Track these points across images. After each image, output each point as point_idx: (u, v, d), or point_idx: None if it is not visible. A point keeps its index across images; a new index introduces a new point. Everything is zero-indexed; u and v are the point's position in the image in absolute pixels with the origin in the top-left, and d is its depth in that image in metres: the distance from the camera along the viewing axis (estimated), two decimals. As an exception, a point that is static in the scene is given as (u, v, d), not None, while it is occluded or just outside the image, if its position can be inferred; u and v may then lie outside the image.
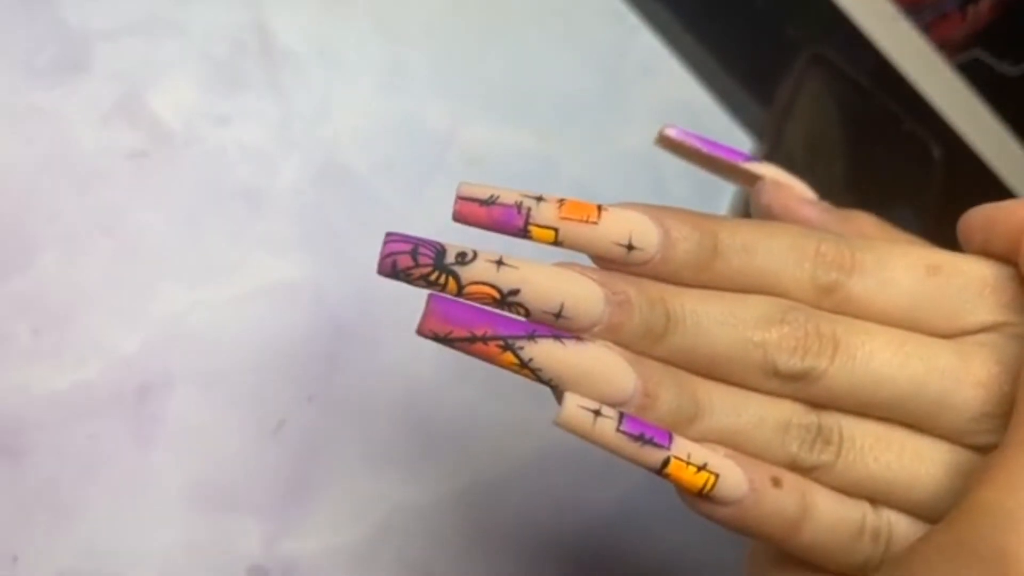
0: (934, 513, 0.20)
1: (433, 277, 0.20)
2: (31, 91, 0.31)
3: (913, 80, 0.40)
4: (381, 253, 0.20)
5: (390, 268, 0.20)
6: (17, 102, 0.31)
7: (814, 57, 0.39)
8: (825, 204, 0.25)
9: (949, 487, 0.20)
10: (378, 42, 0.36)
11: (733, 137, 0.40)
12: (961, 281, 0.21)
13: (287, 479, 0.31)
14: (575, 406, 0.19)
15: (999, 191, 0.40)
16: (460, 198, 0.20)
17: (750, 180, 0.26)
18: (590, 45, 0.39)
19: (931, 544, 0.19)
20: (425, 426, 0.32)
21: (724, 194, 0.38)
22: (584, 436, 0.20)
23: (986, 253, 0.21)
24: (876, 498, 0.21)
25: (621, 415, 0.19)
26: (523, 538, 0.32)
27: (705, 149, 0.26)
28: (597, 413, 0.19)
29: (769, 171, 0.25)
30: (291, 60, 0.34)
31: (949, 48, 0.41)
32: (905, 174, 0.41)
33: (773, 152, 0.38)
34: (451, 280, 0.20)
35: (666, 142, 0.26)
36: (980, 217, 0.21)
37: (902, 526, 0.21)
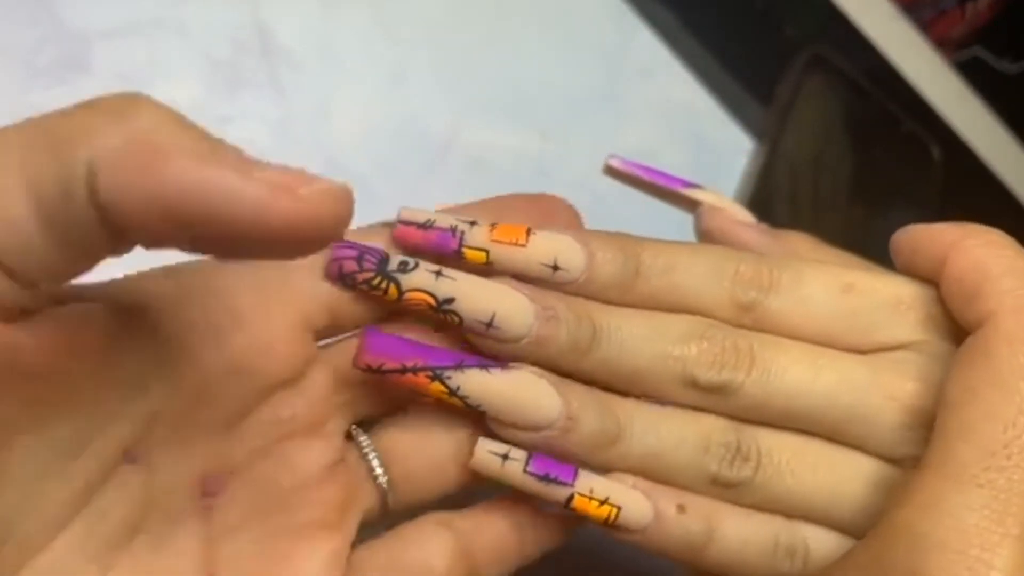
0: (852, 526, 0.21)
1: (375, 282, 0.21)
2: (31, 91, 0.31)
3: (912, 80, 0.40)
4: (328, 258, 0.21)
5: (336, 272, 0.21)
6: (17, 102, 0.31)
7: (814, 57, 0.39)
8: (762, 226, 0.26)
9: (865, 500, 0.21)
10: (378, 42, 0.36)
11: (733, 137, 0.40)
12: (875, 299, 0.21)
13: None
14: (485, 451, 0.21)
15: (998, 190, 0.40)
16: (400, 222, 0.21)
17: (691, 205, 0.27)
18: (590, 45, 0.39)
19: (850, 562, 0.19)
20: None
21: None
22: (494, 477, 0.21)
23: (911, 273, 0.22)
24: (795, 513, 0.21)
25: (528, 456, 0.21)
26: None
27: (646, 177, 0.27)
28: (505, 457, 0.21)
29: (707, 196, 0.27)
30: (291, 60, 0.34)
31: (948, 46, 0.41)
32: (905, 174, 0.41)
33: (773, 152, 0.39)
34: (392, 286, 0.21)
35: (611, 172, 0.28)
36: (908, 238, 0.22)
37: (821, 541, 0.21)
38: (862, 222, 0.40)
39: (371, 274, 0.21)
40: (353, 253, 0.21)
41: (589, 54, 0.39)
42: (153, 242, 0.15)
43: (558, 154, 0.37)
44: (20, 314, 0.16)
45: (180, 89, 0.33)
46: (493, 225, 0.21)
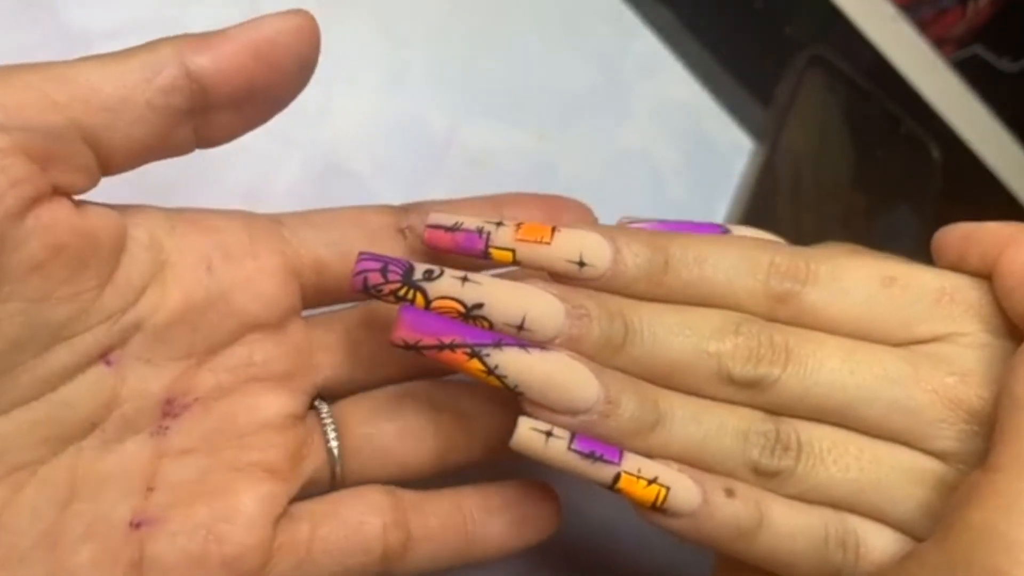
0: (899, 519, 0.21)
1: (402, 292, 0.21)
2: (31, 91, 0.31)
3: (912, 80, 0.40)
4: (353, 271, 0.21)
5: (362, 285, 0.21)
6: (17, 102, 0.31)
7: (814, 57, 0.39)
8: (793, 248, 0.25)
9: (911, 493, 0.20)
10: (378, 42, 0.36)
11: (733, 137, 0.40)
12: (916, 292, 0.21)
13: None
14: (527, 428, 0.20)
15: (998, 191, 0.40)
16: (428, 226, 0.22)
17: None
18: (590, 45, 0.39)
19: (920, 562, 0.19)
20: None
21: (723, 195, 0.38)
22: (537, 456, 0.21)
23: (958, 269, 0.22)
24: (840, 504, 0.21)
25: (572, 435, 0.20)
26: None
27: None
28: (549, 434, 0.20)
29: (737, 233, 0.25)
30: (291, 60, 0.34)
31: (948, 44, 0.41)
32: (904, 174, 0.41)
33: (773, 152, 0.39)
34: (419, 295, 0.21)
35: None
36: (956, 235, 0.22)
37: (871, 534, 0.21)
38: (862, 222, 0.40)
39: (397, 284, 0.21)
40: (377, 265, 0.21)
41: (589, 54, 0.39)
42: (232, 111, 0.20)
43: (558, 154, 0.37)
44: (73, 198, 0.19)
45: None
46: (519, 225, 0.21)
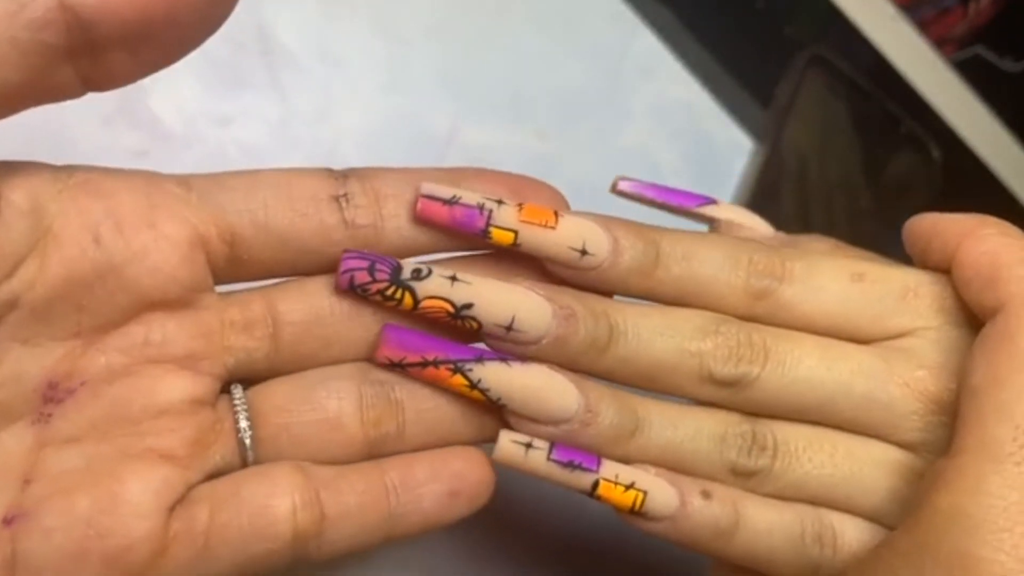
0: (873, 512, 0.21)
1: (390, 292, 0.20)
2: (31, 91, 0.31)
3: (912, 80, 0.40)
4: (339, 270, 0.20)
5: (348, 283, 0.20)
6: (17, 102, 0.31)
7: (814, 57, 0.39)
8: (779, 235, 0.26)
9: (884, 485, 0.21)
10: (378, 42, 0.36)
11: (733, 137, 0.40)
12: (885, 287, 0.22)
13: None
14: (508, 441, 0.21)
15: (998, 191, 0.40)
16: (423, 196, 0.21)
17: (708, 221, 0.27)
18: (590, 45, 0.39)
19: (892, 549, 0.20)
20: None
21: (723, 195, 0.38)
22: (517, 468, 0.21)
23: (922, 260, 0.22)
24: (816, 500, 0.21)
25: (551, 445, 0.21)
26: (524, 538, 0.32)
27: (658, 199, 0.27)
28: (528, 446, 0.21)
29: (723, 212, 0.27)
30: (291, 60, 0.34)
31: (949, 44, 0.41)
32: (904, 174, 0.41)
33: (772, 153, 0.39)
34: (407, 295, 0.20)
35: (621, 195, 0.27)
36: (921, 225, 0.23)
37: (848, 526, 0.21)
38: (861, 222, 0.40)
39: (385, 284, 0.20)
40: (364, 264, 0.20)
41: (589, 54, 0.39)
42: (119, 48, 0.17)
43: (558, 154, 0.37)
44: None
45: (180, 89, 0.33)
46: (520, 205, 0.21)
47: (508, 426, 0.21)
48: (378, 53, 0.36)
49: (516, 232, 0.21)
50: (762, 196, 0.38)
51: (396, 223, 0.21)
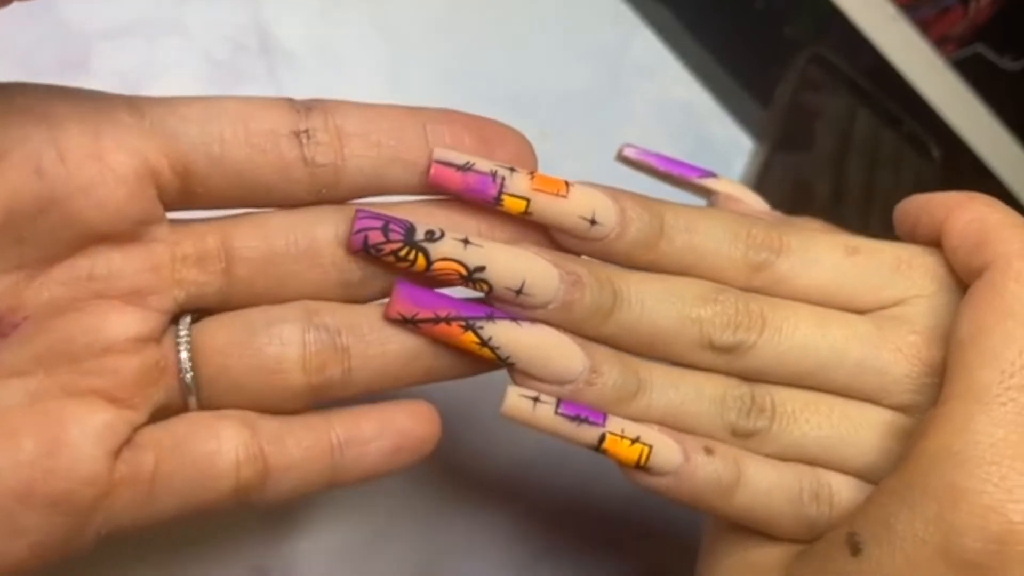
0: (869, 471, 0.22)
1: (403, 253, 0.20)
2: (31, 91, 0.31)
3: (912, 80, 0.40)
4: (352, 229, 0.20)
5: (361, 243, 0.20)
6: (17, 102, 0.31)
7: (814, 57, 0.39)
8: (775, 213, 0.27)
9: (880, 446, 0.22)
10: (378, 42, 0.36)
11: (733, 137, 0.40)
12: (879, 259, 0.22)
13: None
14: (516, 396, 0.21)
15: (998, 190, 0.40)
16: (436, 162, 0.21)
17: (707, 194, 0.28)
18: (590, 45, 0.39)
19: (884, 490, 0.20)
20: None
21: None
22: (525, 422, 0.21)
23: (912, 239, 0.23)
24: (814, 460, 0.22)
25: (558, 400, 0.21)
26: (524, 538, 0.32)
27: (660, 167, 0.27)
28: (536, 400, 0.21)
29: (723, 186, 0.28)
30: (291, 60, 0.34)
31: (950, 43, 0.41)
32: (905, 174, 0.41)
33: (773, 152, 0.39)
34: (420, 256, 0.20)
35: (625, 161, 0.28)
36: (910, 205, 0.23)
37: (844, 486, 0.22)
38: (861, 222, 0.40)
39: (399, 244, 0.20)
40: (378, 223, 0.20)
41: (589, 54, 0.39)
42: None
43: (558, 154, 0.37)
44: None
45: (180, 89, 0.33)
46: (532, 173, 0.21)
47: (455, 375, 0.22)
48: (378, 53, 0.36)
49: (528, 200, 0.21)
50: (762, 195, 0.38)
51: (358, 163, 0.21)
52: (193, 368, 0.20)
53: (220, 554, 0.29)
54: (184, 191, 0.20)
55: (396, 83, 0.36)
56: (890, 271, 0.22)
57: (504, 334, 0.21)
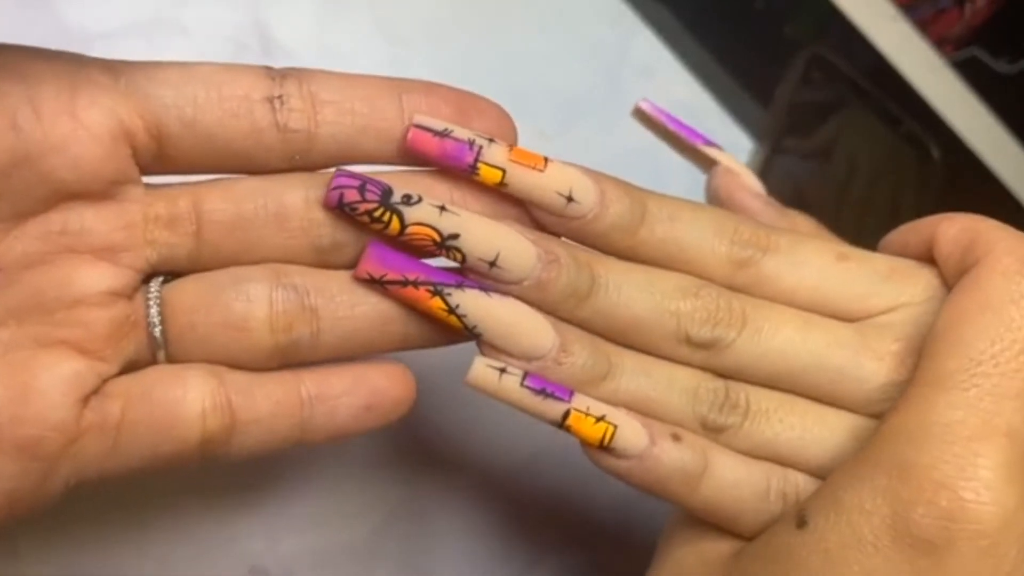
0: None
1: (378, 213, 0.20)
2: (31, 91, 0.31)
3: (912, 80, 0.40)
4: (328, 186, 0.20)
5: (336, 200, 0.20)
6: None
7: (814, 57, 0.39)
8: (768, 198, 0.27)
9: (852, 451, 0.21)
10: (378, 42, 0.36)
11: (733, 137, 0.40)
12: (869, 267, 0.22)
13: (288, 479, 0.31)
14: (483, 365, 0.21)
15: (998, 190, 0.40)
16: (415, 126, 0.21)
17: (708, 163, 0.28)
18: (590, 45, 0.39)
19: (841, 469, 0.20)
20: (425, 426, 0.32)
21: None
22: (490, 392, 0.21)
23: (902, 255, 0.23)
24: (783, 460, 0.22)
25: (525, 373, 0.21)
26: (523, 538, 0.32)
27: (671, 127, 0.28)
28: (502, 371, 0.21)
29: (724, 158, 0.27)
30: (291, 60, 0.34)
31: (946, 45, 0.41)
32: (904, 174, 0.41)
33: (773, 152, 0.39)
34: (395, 218, 0.20)
35: (639, 115, 0.28)
36: (896, 233, 0.23)
37: (812, 489, 0.21)
38: (861, 222, 0.40)
39: (374, 205, 0.20)
40: (355, 183, 0.20)
41: (589, 54, 0.39)
42: None
43: (558, 154, 0.37)
44: None
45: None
46: (511, 146, 0.21)
47: (427, 344, 0.22)
48: (378, 53, 0.36)
49: (504, 171, 0.21)
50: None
51: (331, 130, 0.21)
52: (162, 323, 0.21)
53: (220, 554, 0.29)
54: (158, 154, 0.20)
55: (396, 83, 0.36)
56: (880, 279, 0.22)
57: (472, 303, 0.21)
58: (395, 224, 0.20)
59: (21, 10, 0.32)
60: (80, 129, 0.19)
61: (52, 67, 0.19)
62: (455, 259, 0.21)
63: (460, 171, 0.21)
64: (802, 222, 0.26)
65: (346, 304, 0.21)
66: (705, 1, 0.40)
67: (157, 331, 0.21)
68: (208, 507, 0.30)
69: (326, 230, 0.21)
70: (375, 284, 0.21)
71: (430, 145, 0.21)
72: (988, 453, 0.18)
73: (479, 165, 0.21)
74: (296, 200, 0.21)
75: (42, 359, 0.19)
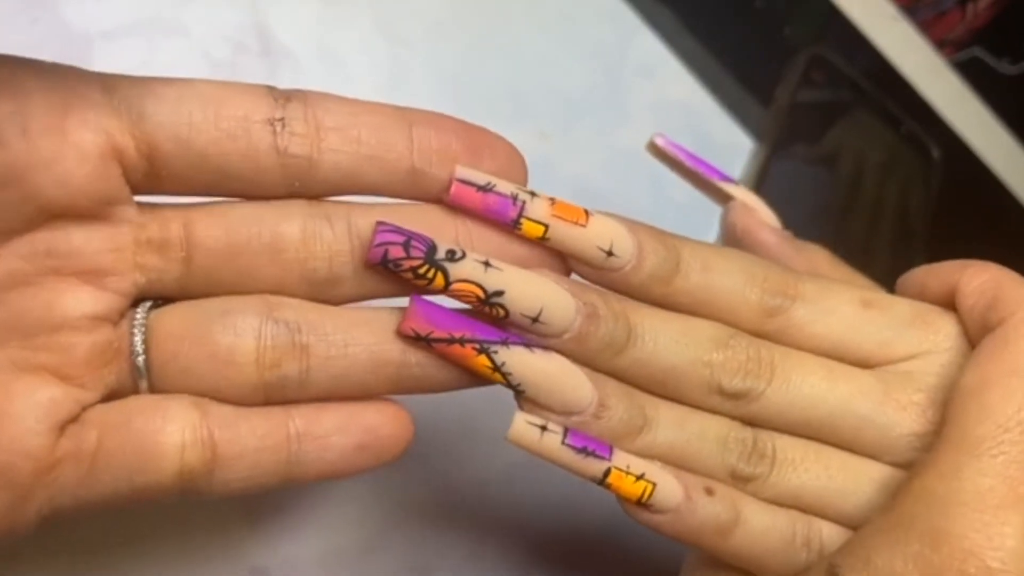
0: (861, 522, 0.22)
1: (423, 271, 0.20)
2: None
3: (912, 80, 0.40)
4: (372, 242, 0.20)
5: (380, 257, 0.20)
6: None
7: (814, 57, 0.39)
8: (785, 233, 0.27)
9: (875, 499, 0.22)
10: (378, 42, 0.36)
11: (733, 137, 0.40)
12: (893, 315, 0.23)
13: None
14: (524, 422, 0.21)
15: (998, 191, 0.40)
16: (457, 180, 0.21)
17: (724, 198, 0.28)
18: (590, 45, 0.39)
19: (871, 527, 0.21)
20: (425, 427, 0.32)
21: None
22: (531, 450, 0.21)
23: (922, 297, 0.23)
24: (808, 508, 0.22)
25: (565, 430, 0.21)
26: (522, 538, 0.32)
27: (688, 163, 0.28)
28: (544, 428, 0.21)
29: (740, 193, 0.28)
30: (291, 60, 0.34)
31: (948, 46, 0.41)
32: (905, 174, 0.41)
33: (773, 152, 0.39)
34: (439, 275, 0.20)
35: (654, 150, 0.28)
36: (918, 273, 0.24)
37: (835, 536, 0.22)
38: (862, 222, 0.40)
39: (418, 262, 0.20)
40: (400, 238, 0.20)
41: (589, 54, 0.39)
42: None
43: (558, 154, 0.37)
44: None
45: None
46: (552, 200, 0.21)
47: (421, 390, 0.21)
48: (378, 53, 0.36)
49: (547, 226, 0.21)
50: (762, 195, 0.38)
51: (334, 158, 0.20)
52: (145, 352, 0.20)
53: (220, 554, 0.29)
54: (150, 174, 0.19)
55: (396, 83, 0.36)
56: (904, 325, 0.22)
57: (517, 361, 0.21)
58: (440, 281, 0.20)
59: (21, 10, 0.32)
60: (68, 147, 0.18)
61: (44, 82, 0.18)
62: (497, 315, 0.20)
63: (502, 225, 0.21)
64: (818, 256, 0.26)
65: (339, 343, 0.20)
66: (705, 1, 0.40)
67: (140, 360, 0.20)
68: (208, 510, 0.30)
69: (322, 263, 0.20)
70: (420, 341, 0.20)
71: (473, 200, 0.20)
72: (1014, 521, 0.19)
73: (522, 221, 0.21)
74: (292, 230, 0.20)
75: (19, 384, 0.19)
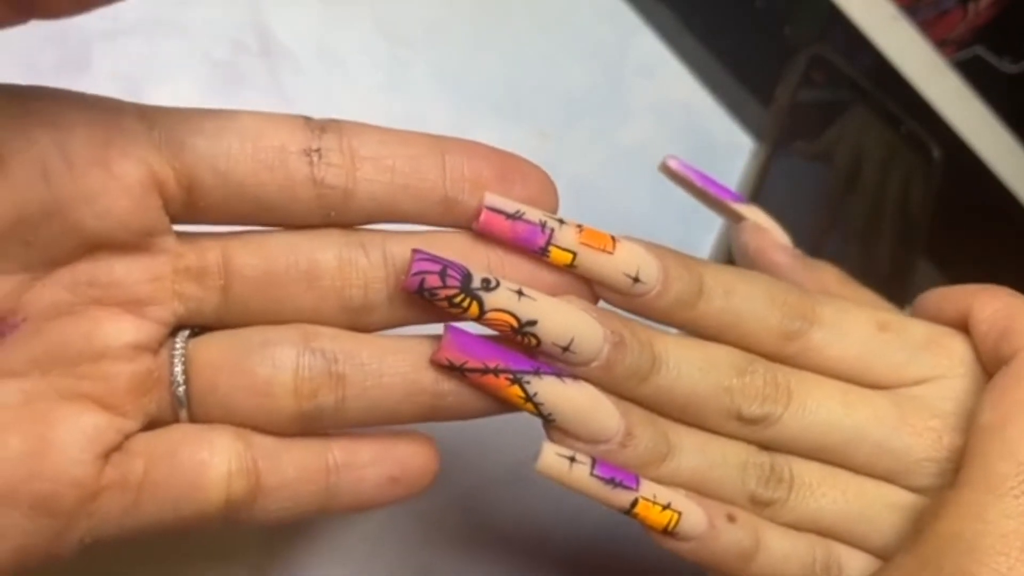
0: (879, 547, 0.23)
1: (458, 300, 0.20)
2: (31, 91, 0.31)
3: (912, 80, 0.40)
4: (409, 270, 0.20)
5: (417, 286, 0.20)
6: (17, 102, 0.31)
7: (814, 57, 0.39)
8: (797, 252, 0.28)
9: (892, 524, 0.22)
10: (378, 42, 0.36)
11: (733, 137, 0.40)
12: (907, 338, 0.23)
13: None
14: (553, 454, 0.21)
15: (998, 191, 0.40)
16: (487, 208, 0.21)
17: (736, 218, 0.28)
18: (590, 45, 0.39)
19: (896, 568, 0.21)
20: (424, 427, 0.32)
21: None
22: (560, 481, 0.21)
23: (936, 322, 0.24)
24: (826, 532, 0.23)
25: (593, 461, 0.21)
26: (522, 539, 0.32)
27: (699, 183, 0.28)
28: (572, 460, 0.21)
29: (752, 213, 0.28)
30: (291, 60, 0.34)
31: (949, 45, 0.41)
32: (905, 174, 0.41)
33: (773, 152, 0.39)
34: (474, 304, 0.20)
35: (667, 172, 0.28)
36: (934, 295, 0.24)
37: (853, 560, 0.23)
38: (862, 222, 0.40)
39: (455, 291, 0.20)
40: (436, 267, 0.20)
41: (589, 54, 0.39)
42: None
43: (558, 153, 0.37)
44: None
45: (180, 89, 0.33)
46: (580, 227, 0.21)
47: (454, 417, 0.21)
48: (378, 53, 0.36)
49: (575, 254, 0.21)
50: (762, 195, 0.38)
51: (369, 188, 0.20)
52: (185, 382, 0.20)
53: (220, 554, 0.29)
54: (189, 204, 0.20)
55: (396, 83, 0.36)
56: (918, 349, 0.23)
57: (549, 391, 0.21)
58: (474, 310, 0.20)
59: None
60: (111, 180, 0.18)
61: (85, 115, 0.19)
62: (529, 344, 0.21)
63: (531, 253, 0.21)
64: (828, 274, 0.27)
65: (375, 373, 0.21)
66: (705, 1, 0.40)
67: (180, 390, 0.20)
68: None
69: (357, 291, 0.21)
70: (454, 371, 0.21)
71: (503, 228, 0.21)
72: None
73: (550, 248, 0.21)
74: (329, 259, 0.20)
75: (63, 412, 0.19)
